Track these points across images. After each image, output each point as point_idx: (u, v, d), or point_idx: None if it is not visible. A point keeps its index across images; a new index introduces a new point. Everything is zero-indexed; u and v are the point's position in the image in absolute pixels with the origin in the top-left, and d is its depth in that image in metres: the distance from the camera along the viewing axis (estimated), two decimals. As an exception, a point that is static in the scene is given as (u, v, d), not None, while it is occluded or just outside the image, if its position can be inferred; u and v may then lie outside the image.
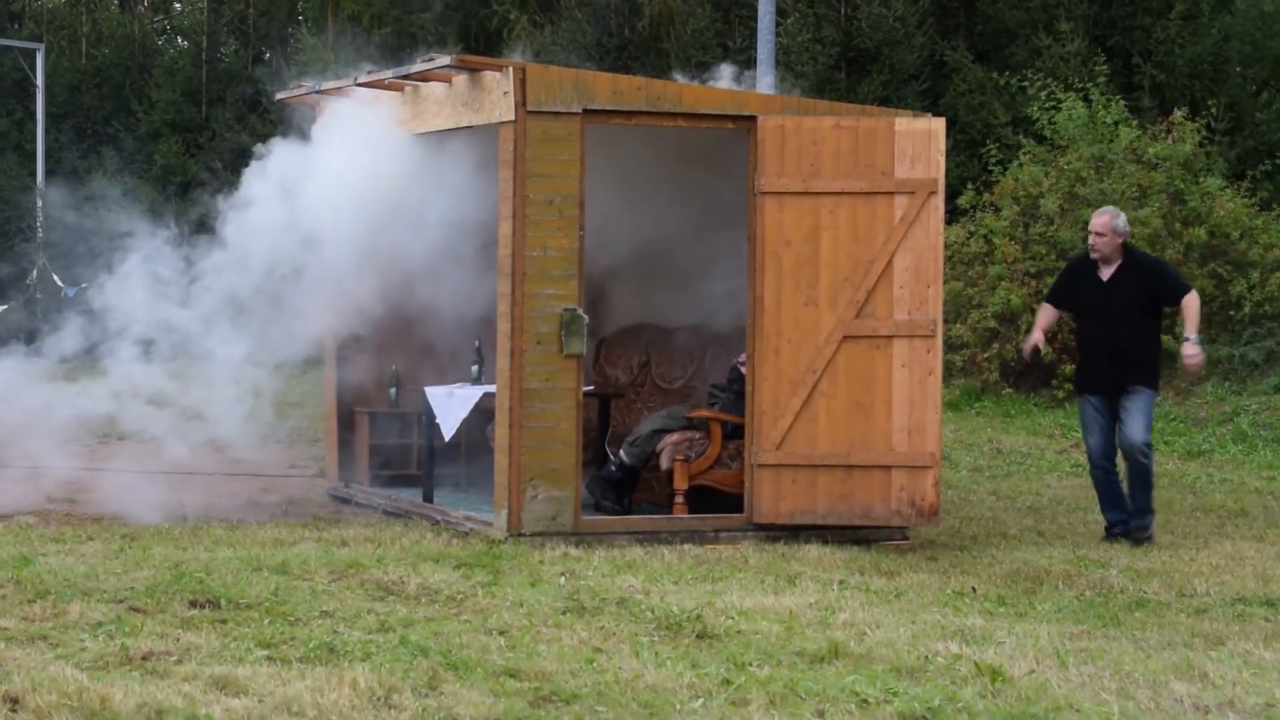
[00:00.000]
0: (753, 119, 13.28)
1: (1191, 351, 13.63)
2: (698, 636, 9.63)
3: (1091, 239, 13.81)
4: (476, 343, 14.58)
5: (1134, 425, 13.61)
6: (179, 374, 15.67)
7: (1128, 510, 13.87)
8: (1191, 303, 13.69)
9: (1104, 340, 13.74)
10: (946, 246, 25.99)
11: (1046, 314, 14.39)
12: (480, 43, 35.07)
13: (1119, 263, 13.78)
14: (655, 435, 13.99)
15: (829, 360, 13.23)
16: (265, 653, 8.93)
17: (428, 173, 14.06)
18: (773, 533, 13.32)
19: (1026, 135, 27.43)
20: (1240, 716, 8.32)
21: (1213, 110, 27.93)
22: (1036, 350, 14.25)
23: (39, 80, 40.01)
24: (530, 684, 8.43)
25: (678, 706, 8.15)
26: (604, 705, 8.14)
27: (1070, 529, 14.59)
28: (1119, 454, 13.86)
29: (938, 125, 13.27)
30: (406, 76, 14.00)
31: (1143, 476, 13.71)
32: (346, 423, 15.93)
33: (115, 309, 15.20)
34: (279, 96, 16.10)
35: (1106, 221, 13.70)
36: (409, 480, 15.57)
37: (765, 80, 23.86)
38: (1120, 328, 13.67)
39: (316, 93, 15.17)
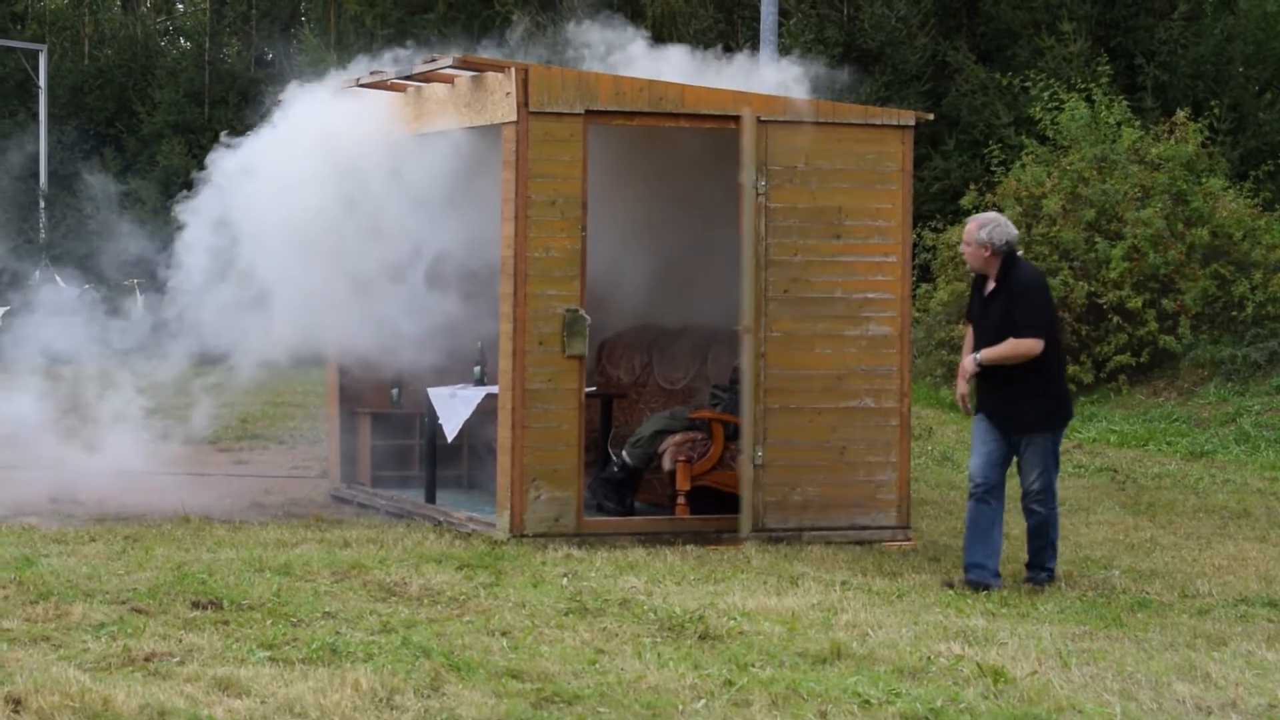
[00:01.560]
0: (754, 119, 13.32)
1: (965, 365, 11.96)
2: (700, 637, 9.63)
3: (961, 246, 12.36)
4: (479, 344, 14.58)
5: (1027, 474, 11.91)
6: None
7: (986, 558, 11.90)
8: (1018, 342, 11.70)
9: (983, 366, 11.94)
10: (949, 247, 26.05)
11: (968, 334, 12.37)
12: (479, 37, 35.07)
13: (996, 279, 11.95)
14: (658, 436, 13.99)
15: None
16: (268, 654, 8.93)
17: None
18: (775, 533, 13.34)
19: (1029, 136, 27.43)
20: (1243, 717, 8.32)
21: (1215, 111, 27.94)
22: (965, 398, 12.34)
23: (42, 81, 40.03)
24: (532, 685, 8.44)
25: (680, 707, 8.15)
26: (606, 706, 8.14)
27: (1072, 530, 14.59)
28: (998, 488, 12.03)
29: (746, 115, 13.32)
30: (409, 77, 14.01)
31: (1039, 529, 11.96)
32: (349, 423, 15.93)
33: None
34: (282, 97, 16.11)
35: (970, 231, 11.96)
36: (411, 481, 15.57)
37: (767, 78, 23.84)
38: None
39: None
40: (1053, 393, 11.95)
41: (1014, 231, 11.98)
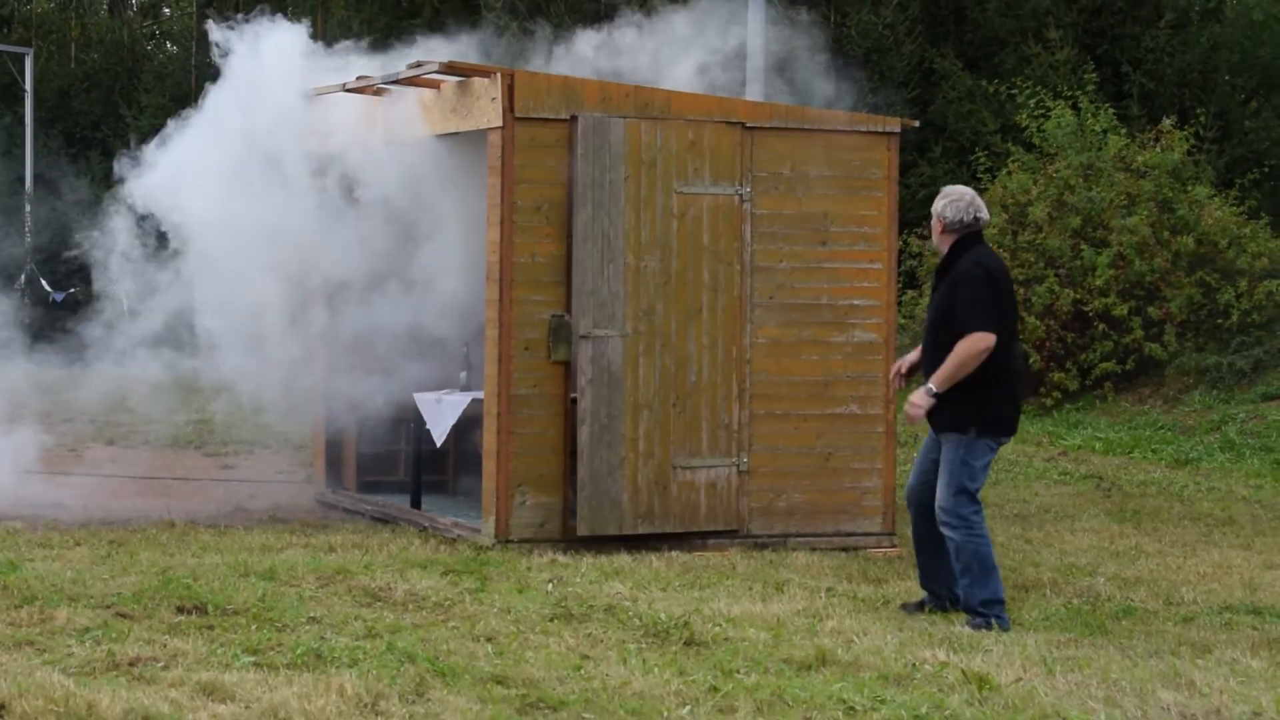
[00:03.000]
0: (739, 125, 13.32)
1: (915, 400, 10.69)
2: (685, 643, 9.62)
3: None
4: (465, 348, 14.57)
5: (939, 486, 10.74)
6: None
7: (942, 581, 10.99)
8: (961, 348, 10.53)
9: (921, 361, 11.02)
10: (935, 254, 26.04)
11: None
12: (459, 26, 35.05)
13: (945, 262, 10.89)
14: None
15: None
16: (252, 659, 8.92)
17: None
18: (760, 540, 13.34)
19: (1015, 143, 27.45)
20: (1227, 725, 8.34)
21: (1201, 119, 27.96)
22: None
23: (28, 85, 39.98)
24: (517, 691, 8.43)
25: (665, 713, 8.14)
26: (591, 712, 8.14)
27: (1058, 537, 14.60)
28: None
29: None
30: (395, 82, 13.99)
31: (957, 555, 10.68)
32: (335, 428, 15.89)
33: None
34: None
35: (934, 204, 10.93)
36: (397, 486, 15.55)
37: (755, 87, 23.85)
38: (927, 345, 10.90)
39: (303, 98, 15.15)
40: (984, 396, 10.66)
41: (978, 214, 10.79)
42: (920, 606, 11.03)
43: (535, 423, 13.02)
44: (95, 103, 42.80)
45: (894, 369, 11.38)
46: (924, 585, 11.15)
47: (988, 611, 10.54)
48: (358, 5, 38.04)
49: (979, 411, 10.67)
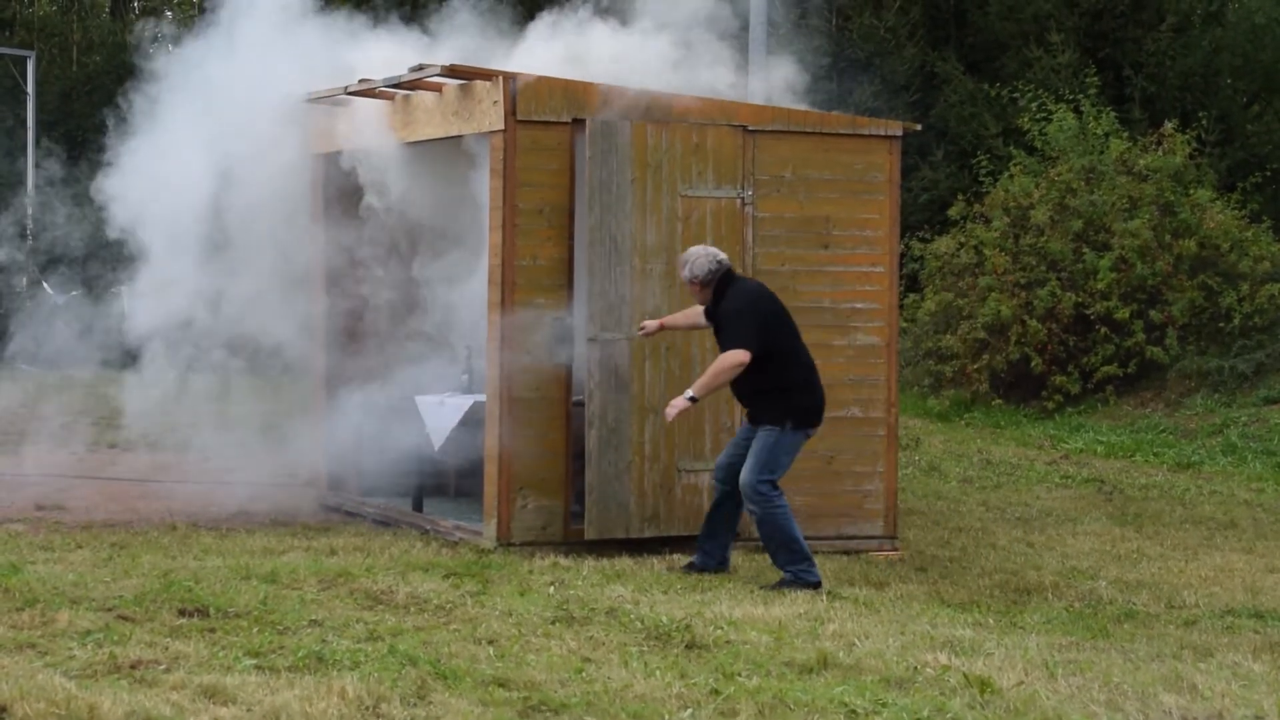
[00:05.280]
0: (741, 128, 13.31)
1: (676, 403, 12.10)
2: (687, 646, 9.62)
3: None
4: (466, 350, 14.55)
5: (746, 468, 12.01)
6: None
7: (715, 546, 12.32)
8: (720, 359, 11.99)
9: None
10: (937, 257, 26.06)
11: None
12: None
13: (714, 305, 12.16)
14: (645, 445, 13.99)
15: None
16: (254, 661, 8.92)
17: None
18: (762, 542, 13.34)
19: (1017, 146, 27.46)
20: (1229, 728, 8.33)
21: (1203, 122, 27.97)
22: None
23: (30, 88, 40.00)
24: (519, 693, 8.43)
25: (666, 716, 8.14)
26: (592, 715, 8.14)
27: (1059, 540, 14.60)
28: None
29: None
30: (397, 85, 13.99)
31: (761, 526, 12.02)
32: (337, 430, 15.87)
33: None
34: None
35: (682, 275, 12.29)
36: (398, 489, 15.54)
37: (755, 91, 23.88)
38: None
39: (307, 101, 15.16)
40: (796, 394, 12.03)
41: (717, 259, 12.09)
42: (691, 567, 12.24)
43: (537, 426, 13.02)
44: (97, 106, 42.82)
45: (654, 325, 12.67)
46: (699, 544, 12.35)
47: (796, 570, 11.85)
48: (357, 8, 38.07)
49: (790, 408, 12.01)
